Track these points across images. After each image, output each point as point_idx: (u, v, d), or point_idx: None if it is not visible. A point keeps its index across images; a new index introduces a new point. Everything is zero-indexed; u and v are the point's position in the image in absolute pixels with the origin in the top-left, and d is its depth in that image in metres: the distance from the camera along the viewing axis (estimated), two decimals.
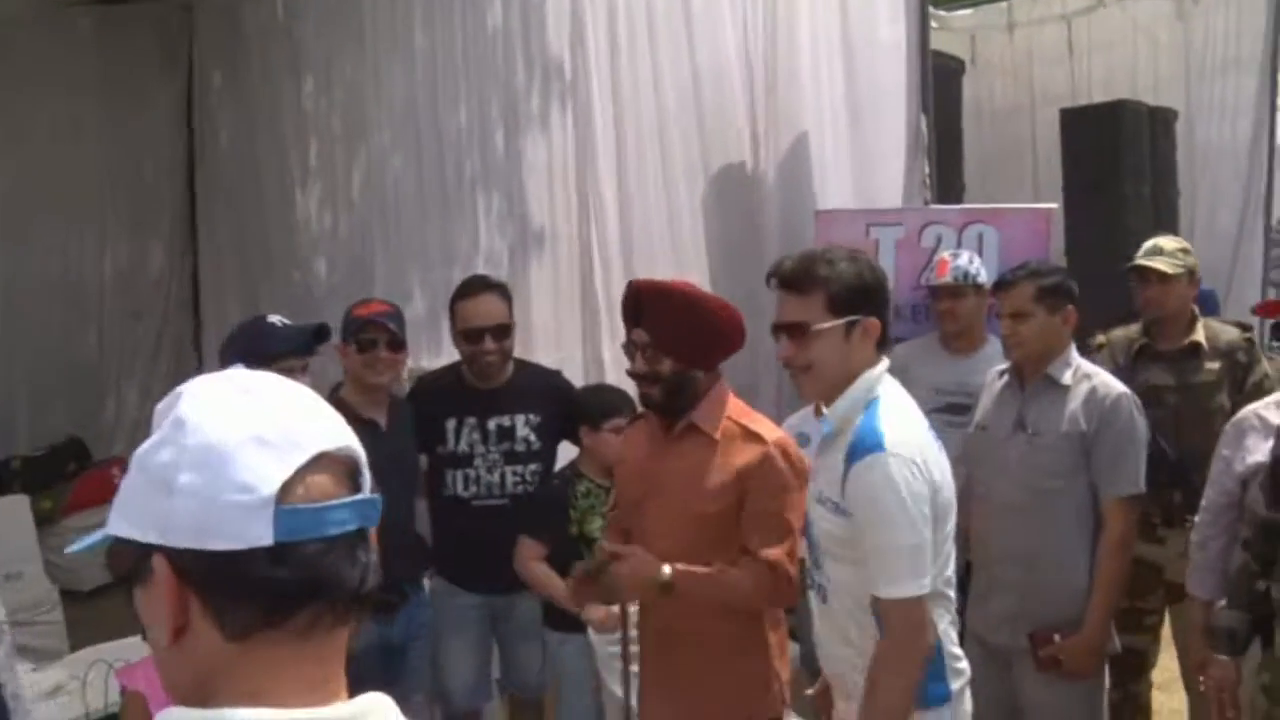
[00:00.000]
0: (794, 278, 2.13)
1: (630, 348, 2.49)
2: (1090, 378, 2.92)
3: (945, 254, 3.63)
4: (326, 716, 0.84)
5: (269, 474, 0.83)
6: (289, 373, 2.60)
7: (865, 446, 2.03)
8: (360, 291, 4.18)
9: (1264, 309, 4.61)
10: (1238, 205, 7.57)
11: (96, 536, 0.91)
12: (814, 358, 2.13)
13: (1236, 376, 3.32)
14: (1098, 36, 8.48)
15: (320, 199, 5.19)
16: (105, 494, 5.66)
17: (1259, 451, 2.72)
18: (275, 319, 2.79)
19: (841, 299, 2.10)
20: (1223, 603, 2.61)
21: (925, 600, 2.04)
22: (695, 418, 2.46)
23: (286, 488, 0.84)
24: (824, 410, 2.27)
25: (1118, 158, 6.71)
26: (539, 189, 4.45)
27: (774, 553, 2.35)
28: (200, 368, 6.02)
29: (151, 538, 0.85)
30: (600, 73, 4.26)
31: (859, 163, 4.11)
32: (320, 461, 0.87)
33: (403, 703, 3.10)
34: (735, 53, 4.18)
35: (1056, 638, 2.82)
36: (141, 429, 5.91)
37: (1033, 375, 2.95)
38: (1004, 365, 3.09)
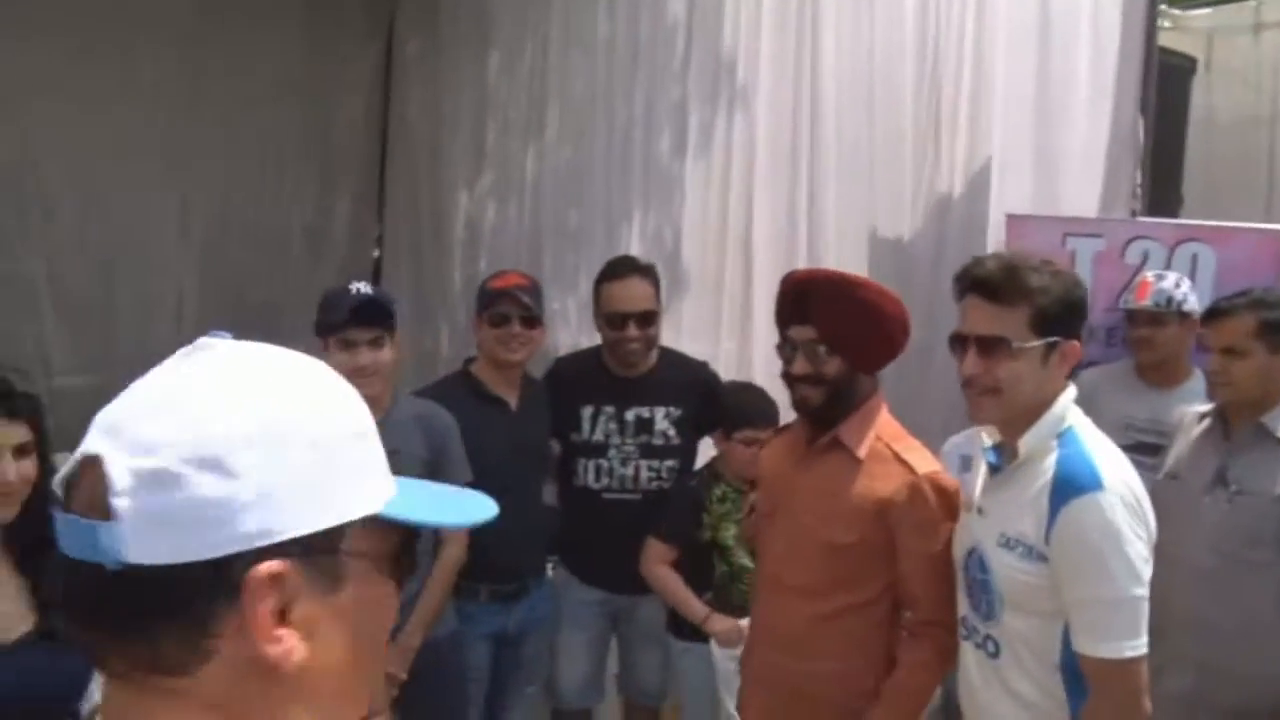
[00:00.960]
0: (997, 285, 1.89)
1: (788, 348, 2.25)
2: None
3: (1148, 274, 3.21)
4: None
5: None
6: (350, 345, 2.52)
7: (1080, 485, 1.81)
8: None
9: None
10: None
11: None
12: (1005, 379, 1.88)
13: None
14: None
15: (495, 178, 5.19)
16: None
17: None
18: (355, 286, 2.68)
19: (1047, 316, 1.88)
20: None
21: (1144, 662, 1.81)
22: (841, 432, 2.23)
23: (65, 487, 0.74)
24: (987, 435, 2.04)
25: None
26: (701, 180, 4.28)
27: (938, 630, 2.16)
28: None
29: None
30: (769, 65, 4.05)
31: (1045, 163, 3.69)
32: (89, 465, 0.73)
33: (513, 693, 3.03)
34: (913, 39, 3.85)
35: None
36: None
37: (1242, 423, 2.56)
38: (1206, 406, 2.71)
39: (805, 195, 4.06)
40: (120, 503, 0.68)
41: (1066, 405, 1.92)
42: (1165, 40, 4.04)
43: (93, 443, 0.70)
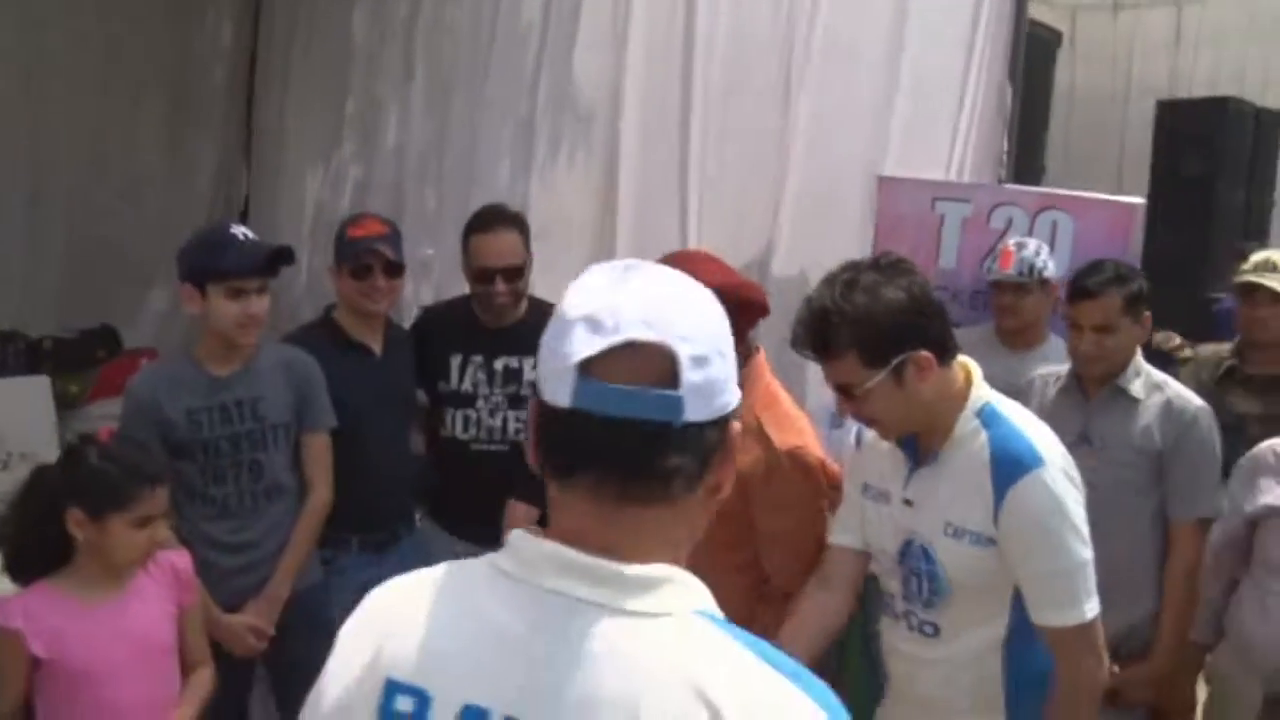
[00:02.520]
0: (815, 347, 1.84)
1: None
2: (1162, 389, 2.69)
3: (1009, 243, 3.29)
4: (616, 570, 0.95)
5: (579, 348, 0.93)
6: (240, 293, 2.45)
7: (1022, 464, 1.82)
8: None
9: None
10: None
11: None
12: (877, 411, 1.87)
13: None
14: (1208, 28, 8.03)
15: (361, 122, 5.02)
16: None
17: (1271, 493, 2.50)
18: (238, 231, 2.58)
19: (874, 350, 1.80)
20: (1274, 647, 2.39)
21: (1099, 618, 1.86)
22: None
23: (589, 363, 0.93)
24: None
25: (1214, 158, 6.30)
26: (571, 127, 4.20)
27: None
28: None
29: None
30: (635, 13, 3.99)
31: (913, 128, 3.75)
32: (629, 348, 0.93)
33: None
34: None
35: (1114, 668, 2.55)
36: (173, 325, 5.82)
37: (1099, 386, 2.71)
38: (1053, 370, 2.84)
39: (676, 160, 4.02)
40: (689, 376, 0.93)
41: (978, 384, 1.91)
42: (1032, 13, 4.13)
43: (634, 330, 0.93)
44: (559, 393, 0.94)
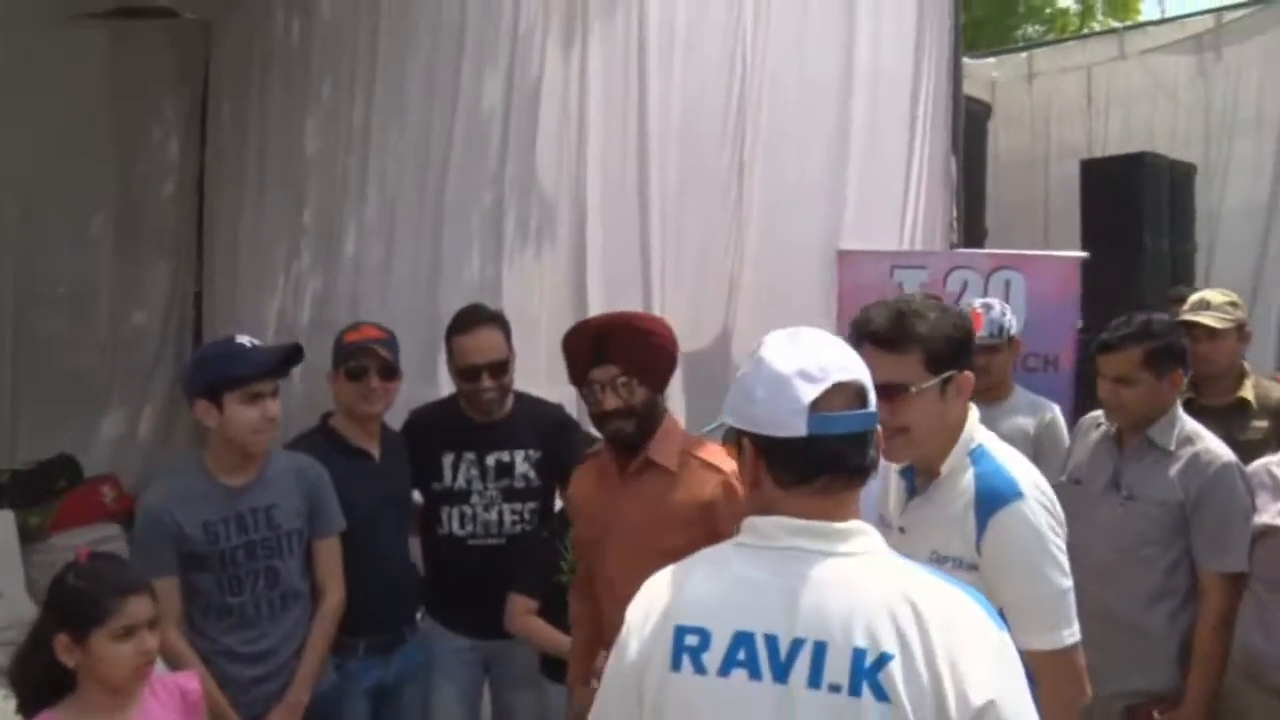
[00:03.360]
0: (888, 336, 1.98)
1: (595, 389, 2.42)
2: (1193, 442, 2.73)
3: (976, 305, 3.45)
4: (829, 527, 1.38)
5: (806, 394, 1.37)
6: (257, 397, 2.52)
7: (1003, 496, 1.95)
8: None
9: None
10: (1253, 263, 7.52)
11: (717, 422, 1.70)
12: (912, 420, 1.98)
13: None
14: (1117, 90, 8.46)
15: (322, 232, 5.06)
16: (93, 512, 5.50)
17: (1268, 512, 2.60)
18: (244, 340, 2.63)
19: (939, 356, 1.98)
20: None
21: (1080, 646, 1.96)
22: (651, 453, 2.44)
23: (816, 402, 1.37)
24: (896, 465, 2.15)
25: (1138, 210, 6.62)
26: (532, 227, 4.31)
27: None
28: None
29: (742, 425, 1.44)
30: (592, 111, 4.14)
31: (865, 203, 3.94)
32: (837, 387, 1.39)
33: None
34: (718, 84, 4.03)
35: (1156, 715, 2.66)
36: (132, 448, 5.71)
37: (1131, 435, 2.79)
38: (1096, 414, 2.94)
39: (638, 241, 4.15)
40: (871, 396, 1.44)
41: (974, 426, 2.05)
42: None
43: (837, 375, 1.41)
44: (795, 426, 1.37)
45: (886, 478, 2.23)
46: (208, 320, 6.00)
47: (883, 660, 1.28)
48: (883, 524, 2.17)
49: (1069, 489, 2.80)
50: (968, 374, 2.02)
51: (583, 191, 4.17)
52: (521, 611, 3.00)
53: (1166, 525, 2.68)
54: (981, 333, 3.35)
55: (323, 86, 4.96)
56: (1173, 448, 2.71)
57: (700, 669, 1.32)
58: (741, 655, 1.32)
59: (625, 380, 2.40)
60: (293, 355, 2.63)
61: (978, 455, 2.02)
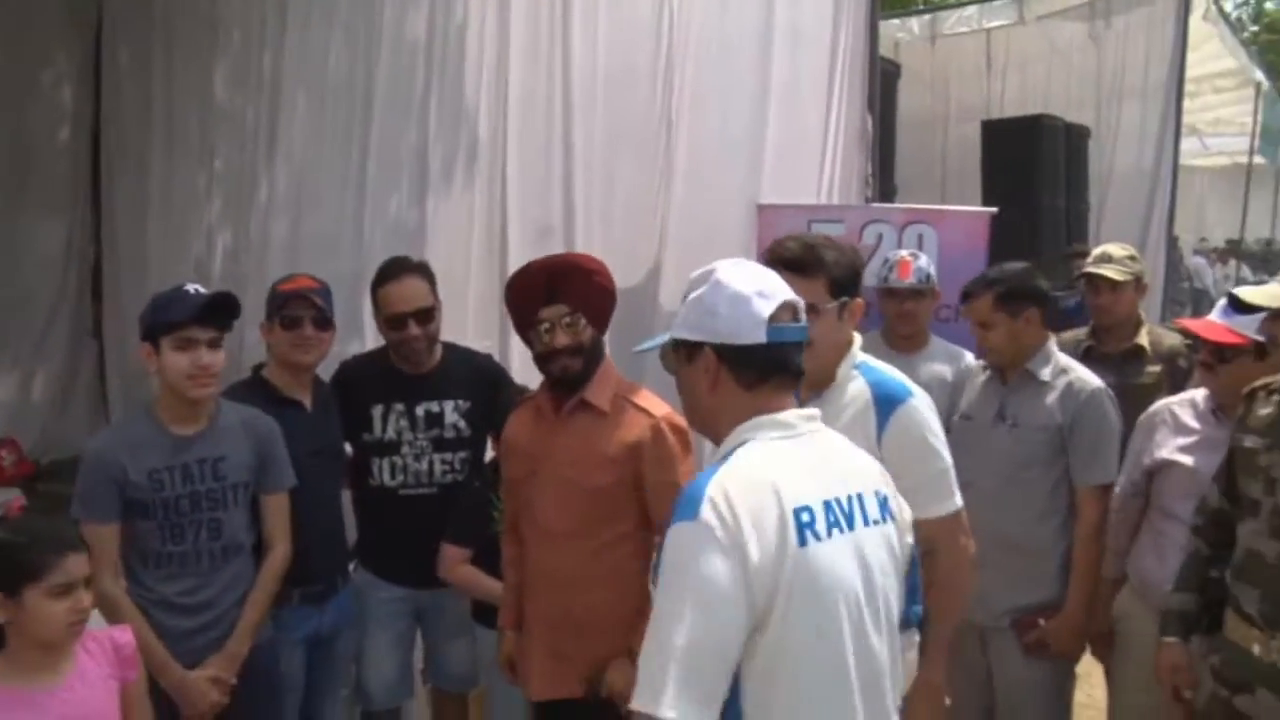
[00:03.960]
0: (801, 262, 2.26)
1: (544, 328, 2.49)
2: (1068, 372, 3.01)
3: (904, 254, 3.59)
4: (787, 416, 1.72)
5: (764, 309, 1.69)
6: (190, 344, 2.49)
7: (899, 396, 2.26)
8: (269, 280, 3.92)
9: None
10: (1140, 222, 7.89)
11: (662, 338, 1.84)
12: (815, 336, 2.15)
13: (1176, 380, 3.42)
14: (1015, 54, 8.72)
15: (225, 193, 4.91)
16: None
17: (1166, 447, 2.83)
18: (191, 287, 2.61)
19: (840, 283, 2.28)
20: (1169, 587, 2.64)
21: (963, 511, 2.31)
22: (586, 394, 2.53)
23: (772, 316, 1.68)
24: None
25: (1036, 170, 6.89)
26: (458, 176, 4.28)
27: None
28: (102, 355, 5.63)
29: (701, 338, 1.72)
30: (514, 59, 4.12)
31: (785, 158, 4.04)
32: (784, 304, 1.71)
33: (328, 697, 2.98)
34: (647, 36, 4.06)
35: (1041, 622, 2.93)
36: (28, 411, 5.47)
37: (1013, 371, 3.04)
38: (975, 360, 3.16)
39: (561, 189, 4.16)
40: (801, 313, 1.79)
41: (858, 344, 2.37)
42: None
43: (783, 295, 1.74)
44: (756, 335, 1.67)
45: None
46: (109, 277, 5.77)
47: (885, 496, 1.76)
48: None
49: (961, 424, 3.08)
50: (859, 300, 2.35)
51: (503, 139, 4.16)
52: (454, 560, 3.03)
53: (1048, 448, 2.96)
54: (910, 279, 3.50)
55: (233, 30, 4.79)
56: (1049, 379, 2.99)
57: (818, 537, 1.61)
58: (834, 517, 1.65)
59: (574, 318, 2.49)
60: (225, 306, 2.58)
61: (864, 368, 2.33)
